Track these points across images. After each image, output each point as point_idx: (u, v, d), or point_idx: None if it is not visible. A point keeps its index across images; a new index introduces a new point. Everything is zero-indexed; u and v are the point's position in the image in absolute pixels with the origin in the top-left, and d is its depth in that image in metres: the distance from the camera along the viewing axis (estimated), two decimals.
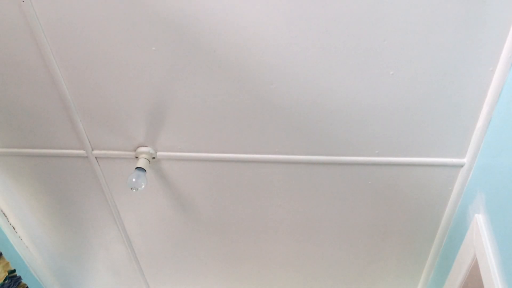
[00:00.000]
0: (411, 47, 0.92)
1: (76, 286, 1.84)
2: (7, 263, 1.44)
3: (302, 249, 1.53)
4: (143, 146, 1.22)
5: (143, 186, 1.18)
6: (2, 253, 1.42)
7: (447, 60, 0.94)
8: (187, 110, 1.11)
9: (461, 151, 1.12)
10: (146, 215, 1.47)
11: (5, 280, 1.42)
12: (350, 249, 1.50)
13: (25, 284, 1.51)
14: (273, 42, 0.94)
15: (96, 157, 1.28)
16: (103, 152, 1.26)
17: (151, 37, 0.96)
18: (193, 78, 1.04)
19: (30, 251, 1.60)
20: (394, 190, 1.26)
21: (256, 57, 0.97)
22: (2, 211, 1.45)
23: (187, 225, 1.49)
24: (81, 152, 1.26)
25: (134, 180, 1.17)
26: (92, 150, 1.25)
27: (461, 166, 1.15)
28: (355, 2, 0.86)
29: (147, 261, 1.70)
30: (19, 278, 1.48)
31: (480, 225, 1.04)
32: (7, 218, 1.47)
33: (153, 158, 1.24)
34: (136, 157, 1.23)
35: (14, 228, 1.51)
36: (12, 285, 1.45)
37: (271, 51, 0.96)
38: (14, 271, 1.46)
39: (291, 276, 1.67)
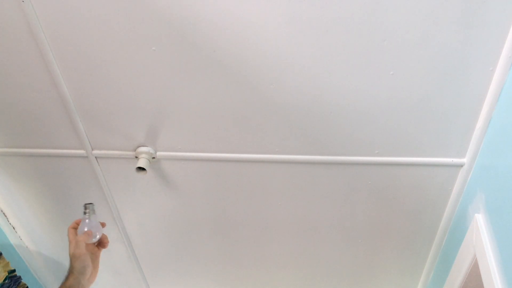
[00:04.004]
0: (411, 47, 0.92)
1: None
2: (7, 263, 1.44)
3: (302, 249, 1.53)
4: (143, 146, 1.23)
5: None
6: (2, 253, 1.42)
7: (447, 60, 0.94)
8: (187, 110, 1.11)
9: (461, 151, 1.12)
10: (146, 215, 1.47)
11: (5, 280, 1.42)
12: (350, 249, 1.50)
13: (25, 284, 1.51)
14: (273, 42, 0.94)
15: (96, 157, 1.28)
16: (103, 152, 1.26)
17: (151, 37, 0.97)
18: (193, 78, 1.04)
19: (30, 251, 1.59)
20: (394, 190, 1.26)
21: (256, 57, 0.98)
22: (2, 211, 1.45)
23: (187, 225, 1.49)
24: (81, 152, 1.26)
25: None
26: (92, 150, 1.26)
27: (461, 166, 1.15)
28: (355, 2, 0.86)
29: (147, 261, 1.70)
30: (19, 278, 1.48)
31: (480, 225, 1.04)
32: (7, 218, 1.47)
33: (153, 158, 1.24)
34: (136, 157, 1.23)
35: (14, 228, 1.51)
36: (12, 285, 1.45)
37: (271, 51, 0.96)
38: (14, 271, 1.46)
39: (291, 276, 1.67)
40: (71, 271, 1.07)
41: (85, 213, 1.14)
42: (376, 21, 0.89)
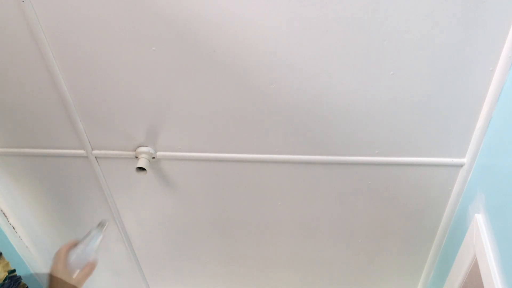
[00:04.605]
0: (411, 47, 0.92)
1: None
2: (7, 263, 1.44)
3: (302, 249, 1.53)
4: (143, 146, 1.23)
5: None
6: (2, 253, 1.42)
7: (447, 60, 0.94)
8: (187, 110, 1.11)
9: (461, 151, 1.12)
10: (146, 215, 1.47)
11: (5, 280, 1.42)
12: (350, 249, 1.50)
13: (25, 284, 1.51)
14: (273, 42, 0.94)
15: (96, 157, 1.28)
16: (103, 152, 1.26)
17: (151, 37, 0.96)
18: (193, 78, 1.04)
19: (30, 251, 1.59)
20: (394, 190, 1.26)
21: (256, 57, 0.98)
22: (2, 211, 1.45)
23: (187, 225, 1.49)
24: (81, 152, 1.26)
25: None
26: (92, 150, 1.25)
27: (461, 166, 1.15)
28: (355, 2, 0.86)
29: (147, 261, 1.70)
30: (19, 278, 1.48)
31: (480, 225, 1.04)
32: (7, 218, 1.47)
33: (153, 158, 1.24)
34: (136, 157, 1.23)
35: (14, 228, 1.51)
36: (12, 285, 1.45)
37: (271, 51, 0.96)
38: (14, 271, 1.46)
39: (291, 276, 1.67)
40: None
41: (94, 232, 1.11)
42: (376, 21, 0.89)
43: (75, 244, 1.06)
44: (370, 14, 0.88)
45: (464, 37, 0.90)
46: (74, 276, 1.01)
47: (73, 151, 1.27)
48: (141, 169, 1.20)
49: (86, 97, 1.12)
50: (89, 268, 1.04)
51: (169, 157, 1.24)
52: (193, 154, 1.23)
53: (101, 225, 1.13)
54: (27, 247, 1.58)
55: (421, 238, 1.40)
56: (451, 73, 0.96)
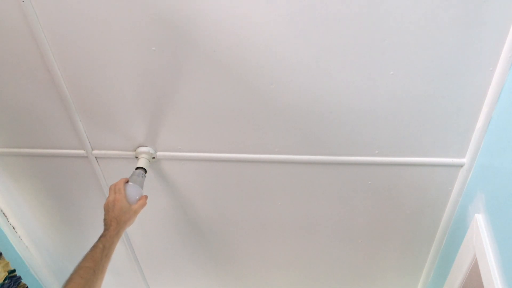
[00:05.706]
0: (411, 47, 0.92)
1: None
2: (7, 263, 1.44)
3: (302, 249, 1.53)
4: (143, 146, 1.23)
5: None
6: (2, 253, 1.42)
7: (447, 60, 0.94)
8: (187, 110, 1.11)
9: (461, 151, 1.12)
10: (146, 215, 1.47)
11: (5, 280, 1.42)
12: (350, 249, 1.50)
13: (25, 284, 1.51)
14: (273, 42, 0.94)
15: (96, 157, 1.28)
16: (103, 152, 1.26)
17: (151, 37, 0.97)
18: (193, 78, 1.04)
19: (30, 251, 1.59)
20: (394, 190, 1.26)
21: (256, 57, 0.98)
22: (2, 211, 1.45)
23: (187, 225, 1.49)
24: (81, 152, 1.26)
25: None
26: (92, 150, 1.25)
27: (461, 166, 1.15)
28: (355, 2, 0.86)
29: (147, 261, 1.70)
30: (19, 278, 1.48)
31: (480, 225, 1.04)
32: (7, 218, 1.47)
33: (153, 158, 1.24)
34: (136, 157, 1.23)
35: (14, 228, 1.51)
36: (12, 285, 1.45)
37: (271, 51, 0.96)
38: (14, 271, 1.46)
39: (291, 276, 1.67)
40: (115, 224, 1.08)
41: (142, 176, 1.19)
42: (376, 21, 0.89)
43: (127, 181, 1.15)
44: (370, 14, 0.88)
45: (464, 37, 0.90)
46: (134, 206, 1.11)
47: (73, 151, 1.27)
48: (141, 169, 1.20)
49: (86, 97, 1.12)
50: (144, 199, 1.14)
51: (169, 157, 1.24)
52: (193, 154, 1.23)
53: (143, 166, 1.20)
54: (27, 247, 1.58)
55: (421, 238, 1.40)
56: (451, 73, 0.96)
